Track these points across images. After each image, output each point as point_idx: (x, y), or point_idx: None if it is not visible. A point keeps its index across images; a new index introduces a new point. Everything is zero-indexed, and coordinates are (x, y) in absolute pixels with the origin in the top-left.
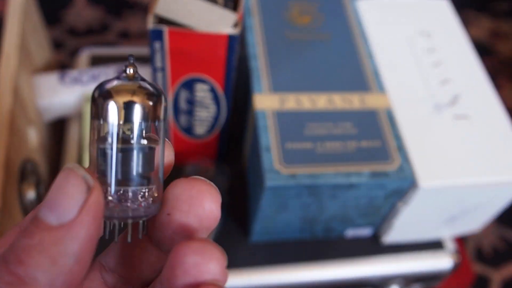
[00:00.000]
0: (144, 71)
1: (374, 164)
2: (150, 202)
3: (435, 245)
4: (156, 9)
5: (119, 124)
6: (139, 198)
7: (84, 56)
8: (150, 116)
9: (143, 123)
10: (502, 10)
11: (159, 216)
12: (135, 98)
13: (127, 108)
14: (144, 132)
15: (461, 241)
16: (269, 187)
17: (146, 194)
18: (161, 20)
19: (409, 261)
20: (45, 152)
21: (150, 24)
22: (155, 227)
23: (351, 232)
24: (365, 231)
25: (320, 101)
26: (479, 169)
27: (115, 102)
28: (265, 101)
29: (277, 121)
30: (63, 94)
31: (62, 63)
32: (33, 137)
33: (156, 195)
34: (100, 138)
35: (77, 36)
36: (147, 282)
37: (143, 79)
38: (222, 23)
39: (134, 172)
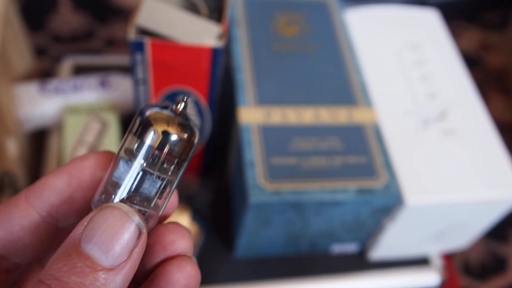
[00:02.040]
0: (127, 82)
1: (360, 180)
2: (147, 223)
3: (421, 262)
4: (138, 19)
5: (148, 150)
6: None
7: (67, 64)
8: (176, 153)
9: (169, 157)
10: (492, 21)
11: None
12: (170, 134)
13: (160, 139)
14: (165, 164)
15: (448, 254)
16: (252, 204)
17: (146, 215)
18: (143, 31)
19: (396, 278)
20: (24, 163)
21: (131, 35)
22: None
23: (337, 248)
24: (351, 247)
25: (307, 115)
26: (467, 186)
27: (154, 131)
28: (250, 115)
29: (262, 136)
30: (43, 104)
31: (45, 71)
32: (12, 148)
33: (154, 219)
34: (130, 151)
35: (61, 43)
36: None
37: (188, 119)
38: (206, 35)
39: (142, 194)
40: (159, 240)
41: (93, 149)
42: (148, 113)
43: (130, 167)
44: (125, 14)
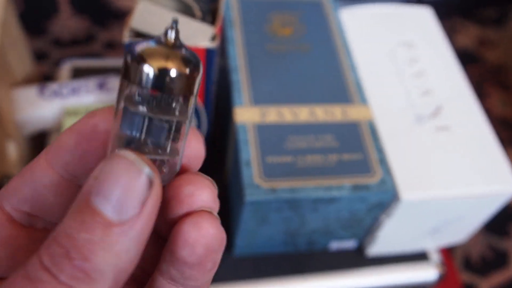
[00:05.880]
0: None
1: (355, 177)
2: (166, 171)
3: (420, 257)
4: (132, 22)
5: (148, 90)
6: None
7: (66, 68)
8: (180, 90)
9: (172, 95)
10: (489, 17)
11: None
12: (169, 68)
13: (159, 76)
14: (173, 103)
15: (449, 250)
16: (248, 202)
17: (164, 163)
18: (138, 34)
19: (394, 273)
20: (24, 166)
21: (126, 38)
22: None
23: (335, 245)
24: (349, 244)
25: (302, 114)
26: (461, 181)
27: (149, 67)
28: (246, 114)
29: (258, 134)
30: (43, 108)
31: (46, 75)
32: (12, 151)
33: (173, 167)
34: (129, 99)
35: (62, 47)
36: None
37: (183, 46)
38: (200, 36)
39: (153, 141)
40: (176, 193)
41: None
42: (131, 52)
43: (132, 115)
44: (125, 17)
